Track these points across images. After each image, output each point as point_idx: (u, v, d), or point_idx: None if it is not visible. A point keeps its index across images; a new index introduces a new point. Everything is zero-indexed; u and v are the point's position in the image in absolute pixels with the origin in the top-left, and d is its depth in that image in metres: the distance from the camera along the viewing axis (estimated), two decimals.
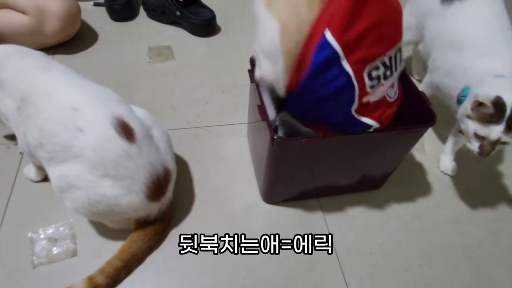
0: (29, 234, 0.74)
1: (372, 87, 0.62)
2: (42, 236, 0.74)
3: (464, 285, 0.76)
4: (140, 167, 0.64)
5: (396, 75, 0.67)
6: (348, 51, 0.57)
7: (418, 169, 0.96)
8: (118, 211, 0.66)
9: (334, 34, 0.55)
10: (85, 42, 1.19)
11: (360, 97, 0.62)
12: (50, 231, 0.75)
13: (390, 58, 0.63)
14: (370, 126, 0.66)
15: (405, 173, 0.93)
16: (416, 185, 0.92)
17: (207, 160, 0.92)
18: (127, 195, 0.65)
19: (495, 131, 0.71)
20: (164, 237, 0.77)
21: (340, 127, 0.66)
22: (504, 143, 0.73)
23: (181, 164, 0.90)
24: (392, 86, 0.68)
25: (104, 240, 0.75)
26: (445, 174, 0.95)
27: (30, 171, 0.82)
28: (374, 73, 0.61)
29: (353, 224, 0.83)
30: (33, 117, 0.65)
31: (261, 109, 0.68)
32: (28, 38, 1.04)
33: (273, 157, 0.71)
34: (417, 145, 0.87)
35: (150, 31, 1.25)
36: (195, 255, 0.75)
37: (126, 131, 0.63)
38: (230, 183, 0.88)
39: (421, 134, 0.76)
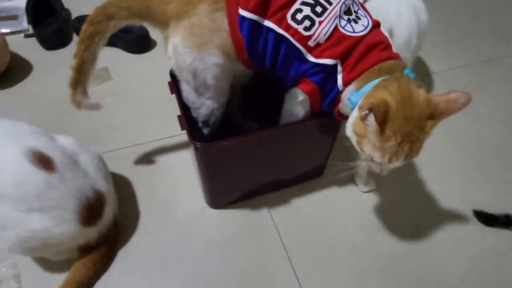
0: None
1: (307, 28, 0.63)
2: None
3: (406, 252, 0.80)
4: (66, 195, 0.64)
5: (338, 7, 0.64)
6: (262, 13, 0.63)
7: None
8: (54, 242, 0.66)
9: (245, 9, 0.63)
10: (20, 75, 1.17)
11: (302, 42, 0.63)
12: None
13: None
14: (332, 66, 0.64)
15: (344, 157, 0.96)
16: (356, 167, 0.95)
17: (151, 175, 0.92)
18: (59, 225, 0.64)
19: None
20: (111, 259, 0.77)
21: (297, 72, 0.68)
22: None
23: (124, 182, 0.90)
24: (337, 18, 0.64)
25: (49, 274, 0.74)
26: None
27: None
28: (299, 16, 0.62)
29: (299, 215, 0.86)
30: None
31: (181, 119, 0.69)
32: None
33: (201, 163, 0.72)
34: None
35: None
36: (145, 274, 0.75)
37: (43, 161, 0.62)
38: (176, 195, 0.89)
39: (338, 122, 0.77)
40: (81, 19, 1.27)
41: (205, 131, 0.82)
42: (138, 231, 0.82)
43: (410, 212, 0.88)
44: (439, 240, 0.83)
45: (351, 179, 0.92)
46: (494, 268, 0.80)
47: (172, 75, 0.77)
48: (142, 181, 0.91)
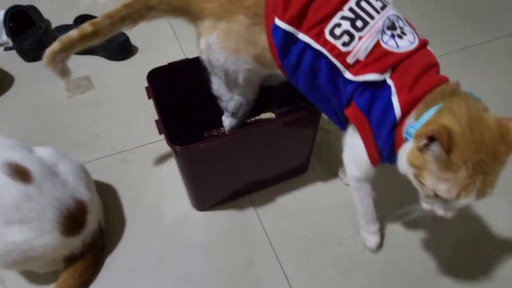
0: None
1: (345, 44, 0.59)
2: None
3: (392, 243, 0.80)
4: (45, 205, 0.63)
5: (381, 21, 0.59)
6: (297, 24, 0.60)
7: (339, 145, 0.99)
8: (36, 255, 0.65)
9: (281, 19, 0.60)
10: (1, 88, 1.16)
11: (339, 58, 0.59)
12: None
13: (352, 10, 0.60)
14: (377, 82, 0.58)
15: (327, 152, 0.97)
16: (339, 160, 0.94)
17: (136, 181, 0.92)
18: (40, 236, 0.64)
19: None
20: (98, 268, 0.76)
21: (344, 96, 0.62)
22: None
23: (109, 190, 0.90)
24: (379, 33, 0.59)
25: (36, 287, 0.74)
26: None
27: None
28: (337, 31, 0.59)
29: (285, 212, 0.86)
30: None
31: (158, 123, 0.69)
32: None
33: (183, 166, 0.72)
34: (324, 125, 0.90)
35: None
36: (133, 281, 0.75)
37: (20, 173, 0.62)
38: (162, 200, 0.88)
39: (317, 117, 0.78)
40: (61, 28, 1.27)
41: (233, 121, 0.83)
42: (125, 238, 0.82)
43: (394, 202, 0.88)
44: (425, 229, 0.84)
45: (335, 173, 0.92)
46: (475, 251, 0.80)
47: (150, 80, 0.77)
48: (127, 187, 0.91)
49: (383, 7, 0.61)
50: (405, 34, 0.61)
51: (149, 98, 0.75)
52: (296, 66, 0.63)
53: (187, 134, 0.91)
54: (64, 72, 0.70)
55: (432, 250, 0.80)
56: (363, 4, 0.60)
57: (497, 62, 1.23)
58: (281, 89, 0.82)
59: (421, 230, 0.83)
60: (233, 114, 0.81)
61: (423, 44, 0.61)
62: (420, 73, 0.57)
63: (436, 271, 0.77)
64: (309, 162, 0.90)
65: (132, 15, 0.66)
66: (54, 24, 1.33)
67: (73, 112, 1.09)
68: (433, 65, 0.60)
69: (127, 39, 1.23)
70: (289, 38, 0.61)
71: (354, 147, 0.66)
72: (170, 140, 0.66)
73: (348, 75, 0.60)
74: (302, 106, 0.74)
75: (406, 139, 0.57)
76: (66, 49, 0.67)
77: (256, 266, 0.77)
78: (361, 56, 0.58)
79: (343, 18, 0.59)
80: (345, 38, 0.59)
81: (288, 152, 0.83)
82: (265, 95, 0.81)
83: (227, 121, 0.85)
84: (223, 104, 0.80)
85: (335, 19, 0.59)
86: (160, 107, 0.73)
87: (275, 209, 0.86)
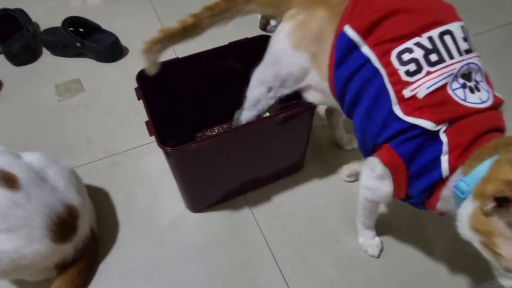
0: None
1: (409, 73, 0.51)
2: None
3: (391, 239, 0.79)
4: (33, 212, 0.62)
5: (458, 65, 0.51)
6: (365, 34, 0.54)
7: (332, 141, 0.97)
8: (26, 263, 0.64)
9: (351, 25, 0.56)
10: None
11: (396, 86, 0.52)
12: None
13: (431, 40, 0.52)
14: (428, 132, 0.50)
15: (322, 148, 0.95)
16: (335, 157, 0.94)
17: (129, 184, 0.90)
18: (29, 244, 0.62)
19: None
20: (91, 274, 0.75)
21: (384, 131, 0.55)
22: None
23: (102, 194, 0.88)
24: (451, 77, 0.51)
25: None
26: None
27: None
28: (406, 56, 0.51)
29: (281, 211, 0.85)
30: None
31: (149, 124, 0.67)
32: None
33: (175, 167, 0.71)
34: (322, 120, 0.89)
35: (56, 69, 1.21)
36: (128, 286, 0.74)
37: (7, 180, 0.60)
38: (155, 202, 0.87)
39: (312, 112, 0.77)
40: (49, 31, 1.25)
41: (250, 115, 0.78)
42: (119, 242, 0.80)
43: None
44: (425, 227, 0.83)
45: (331, 170, 0.91)
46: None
47: (139, 80, 0.76)
48: (120, 191, 0.89)
49: (468, 51, 0.53)
50: (478, 90, 0.52)
51: (138, 99, 0.74)
52: (348, 79, 0.57)
53: (180, 135, 0.90)
54: (154, 65, 0.68)
55: (430, 247, 0.79)
56: (447, 39, 0.52)
57: (490, 54, 1.23)
58: None
59: (419, 226, 0.82)
60: (254, 107, 0.76)
61: (495, 106, 0.52)
62: (480, 134, 0.49)
63: (434, 267, 0.76)
64: (305, 160, 0.89)
65: (231, 8, 0.66)
66: (42, 27, 1.31)
67: (64, 116, 1.07)
68: (498, 130, 0.51)
69: (116, 40, 1.22)
70: (352, 48, 0.56)
71: (378, 183, 0.59)
72: (161, 142, 0.65)
73: (397, 110, 0.52)
74: (297, 102, 0.73)
75: (458, 197, 0.49)
76: (166, 40, 0.65)
77: (253, 266, 0.76)
78: (420, 94, 0.50)
79: (418, 45, 0.52)
80: (411, 67, 0.51)
81: (283, 150, 0.82)
82: None
83: (244, 115, 0.79)
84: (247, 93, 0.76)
85: (408, 43, 0.52)
86: (150, 108, 0.72)
87: (271, 208, 0.85)
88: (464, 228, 0.49)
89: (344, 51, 0.57)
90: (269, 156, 0.81)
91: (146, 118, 0.69)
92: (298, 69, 0.66)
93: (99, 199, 0.87)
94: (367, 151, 0.61)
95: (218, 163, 0.74)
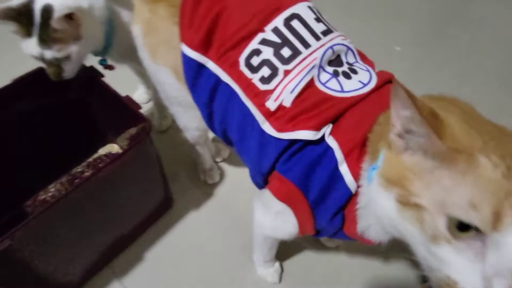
0: None
1: (264, 80, 0.42)
2: None
3: None
4: None
5: (319, 52, 0.42)
6: (204, 48, 0.45)
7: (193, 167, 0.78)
8: None
9: (189, 45, 0.45)
10: None
11: (256, 100, 0.42)
12: None
13: (277, 31, 0.42)
14: (313, 142, 0.40)
15: (187, 170, 0.78)
16: (205, 183, 0.77)
17: None
18: None
19: (28, 47, 0.55)
20: None
21: (265, 158, 0.43)
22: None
23: None
24: (315, 68, 0.41)
25: None
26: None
27: None
28: (255, 60, 0.42)
29: (160, 268, 0.67)
30: None
31: None
32: None
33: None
34: None
35: None
36: None
37: None
38: None
39: (147, 147, 0.58)
40: None
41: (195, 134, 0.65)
42: None
43: None
44: None
45: (208, 193, 0.75)
46: None
47: None
48: None
49: (327, 32, 0.43)
50: (355, 72, 0.42)
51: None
52: (209, 103, 0.47)
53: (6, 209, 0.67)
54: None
55: (328, 249, 0.70)
56: (295, 24, 0.43)
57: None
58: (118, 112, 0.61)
59: None
60: (191, 130, 0.64)
61: (383, 83, 0.41)
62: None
63: (336, 268, 0.67)
64: (170, 194, 0.71)
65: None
66: None
67: None
68: None
69: None
70: (199, 68, 0.46)
71: (278, 221, 0.46)
72: None
73: (268, 128, 0.41)
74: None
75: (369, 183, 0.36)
76: None
77: None
78: (287, 101, 0.41)
79: (264, 42, 0.43)
80: (265, 71, 0.42)
81: (138, 194, 0.63)
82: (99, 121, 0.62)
83: (188, 136, 0.65)
84: None
85: (253, 44, 0.43)
86: None
87: (145, 269, 0.67)
88: (384, 209, 0.33)
89: (193, 73, 0.47)
90: (124, 207, 0.62)
91: None
92: (173, 89, 0.53)
93: None
94: (258, 184, 0.49)
95: (57, 238, 0.54)
